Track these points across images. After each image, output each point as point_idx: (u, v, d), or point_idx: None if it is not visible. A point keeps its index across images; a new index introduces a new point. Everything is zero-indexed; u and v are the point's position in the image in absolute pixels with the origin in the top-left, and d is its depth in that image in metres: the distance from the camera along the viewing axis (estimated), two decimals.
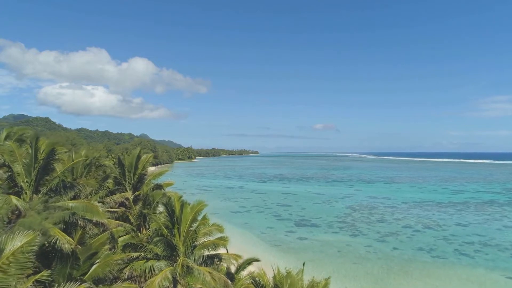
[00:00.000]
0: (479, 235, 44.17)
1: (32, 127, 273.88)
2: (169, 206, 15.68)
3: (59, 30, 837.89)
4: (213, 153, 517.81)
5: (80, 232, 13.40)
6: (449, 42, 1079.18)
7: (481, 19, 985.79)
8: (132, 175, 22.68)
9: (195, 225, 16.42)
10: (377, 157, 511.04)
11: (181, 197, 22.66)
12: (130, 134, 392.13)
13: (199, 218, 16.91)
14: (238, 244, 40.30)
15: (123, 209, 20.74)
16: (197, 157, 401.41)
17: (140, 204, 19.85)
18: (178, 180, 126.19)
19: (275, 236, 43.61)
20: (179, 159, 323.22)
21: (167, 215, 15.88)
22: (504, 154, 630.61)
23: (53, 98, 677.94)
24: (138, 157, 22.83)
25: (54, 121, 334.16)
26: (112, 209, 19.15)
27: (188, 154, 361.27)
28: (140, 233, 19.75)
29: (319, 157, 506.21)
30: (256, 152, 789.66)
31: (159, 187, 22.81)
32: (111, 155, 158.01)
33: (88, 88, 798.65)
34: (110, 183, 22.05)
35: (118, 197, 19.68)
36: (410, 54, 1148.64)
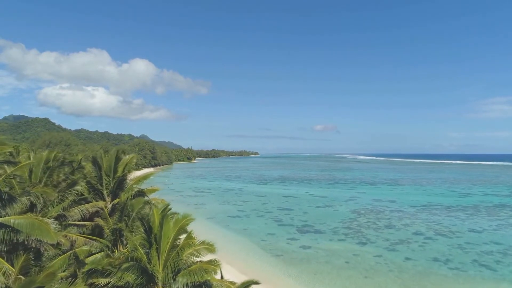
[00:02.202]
0: (496, 243, 40.85)
1: (31, 128, 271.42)
2: (145, 221, 12.42)
3: (59, 31, 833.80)
4: (213, 154, 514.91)
5: (22, 258, 10.14)
6: (448, 43, 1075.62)
7: (480, 20, 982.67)
8: (110, 179, 19.42)
9: (179, 244, 13.19)
10: (378, 158, 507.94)
11: (168, 205, 19.34)
12: (130, 135, 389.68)
13: (184, 235, 13.71)
14: (237, 253, 37.14)
15: (99, 220, 17.45)
16: (196, 158, 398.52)
17: (117, 215, 16.61)
18: (176, 182, 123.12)
19: (276, 244, 40.28)
20: (179, 160, 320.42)
21: (143, 232, 12.61)
22: (505, 156, 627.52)
23: (53, 99, 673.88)
24: (117, 158, 19.57)
25: (53, 121, 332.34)
26: (80, 222, 15.90)
27: (188, 155, 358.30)
28: (117, 250, 16.47)
29: (320, 158, 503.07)
30: (256, 153, 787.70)
31: (141, 193, 19.52)
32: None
33: (89, 89, 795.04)
34: (84, 189, 18.84)
35: (89, 206, 16.41)
36: (410, 55, 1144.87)
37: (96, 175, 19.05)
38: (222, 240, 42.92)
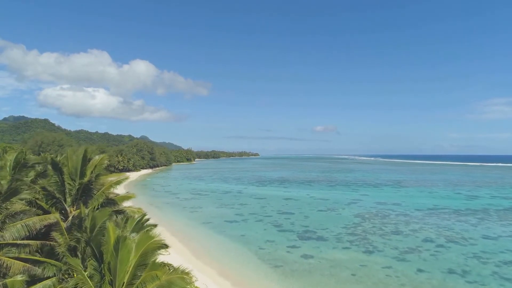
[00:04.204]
0: None
1: (31, 128, 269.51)
2: (94, 244, 9.19)
3: (60, 31, 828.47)
4: (213, 155, 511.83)
5: None
6: (448, 44, 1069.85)
7: (481, 21, 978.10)
8: (76, 184, 16.19)
9: (142, 271, 9.95)
10: (378, 159, 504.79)
11: (144, 216, 16.18)
12: (130, 136, 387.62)
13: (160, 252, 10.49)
14: (232, 264, 33.93)
15: (57, 235, 14.17)
16: (196, 159, 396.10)
17: (74, 230, 13.37)
18: (173, 183, 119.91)
19: (276, 253, 36.97)
20: (178, 161, 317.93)
21: (92, 258, 9.38)
22: (507, 157, 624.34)
23: (54, 100, 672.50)
24: (85, 159, 16.32)
25: (53, 122, 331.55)
26: (21, 241, 12.66)
27: (187, 156, 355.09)
28: (76, 274, 13.20)
29: (320, 159, 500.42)
30: (256, 154, 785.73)
31: (110, 202, 16.26)
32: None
33: (89, 90, 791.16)
34: (42, 197, 15.60)
35: (38, 220, 13.14)
36: (410, 56, 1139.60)
37: (57, 180, 15.82)
38: (216, 248, 39.76)
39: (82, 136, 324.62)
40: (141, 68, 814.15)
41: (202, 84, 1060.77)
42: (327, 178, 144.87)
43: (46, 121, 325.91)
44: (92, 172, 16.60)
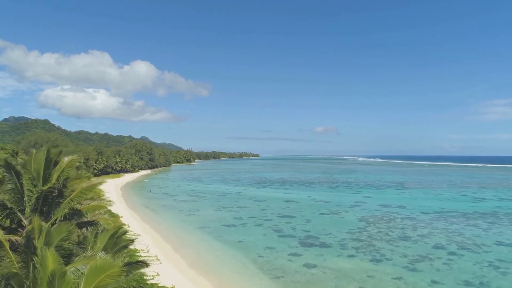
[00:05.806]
0: None
1: (30, 129, 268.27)
2: (15, 281, 6.55)
3: (61, 32, 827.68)
4: (213, 155, 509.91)
5: None
6: (449, 44, 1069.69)
7: (481, 21, 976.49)
8: (39, 190, 13.55)
9: None
10: (379, 159, 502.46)
11: (120, 228, 13.59)
12: (130, 136, 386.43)
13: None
14: (228, 274, 31.27)
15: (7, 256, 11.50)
16: (196, 160, 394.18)
17: (20, 253, 10.75)
18: (171, 185, 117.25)
19: (276, 262, 34.28)
20: (178, 162, 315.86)
21: None
22: (508, 158, 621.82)
23: (54, 100, 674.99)
24: (48, 160, 13.66)
25: (53, 123, 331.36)
26: None
27: (187, 156, 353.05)
28: None
29: (320, 160, 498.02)
30: (256, 155, 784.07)
31: (75, 213, 13.58)
32: (101, 158, 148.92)
33: (90, 91, 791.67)
34: None
35: None
36: (410, 57, 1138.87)
37: (12, 187, 13.20)
38: (212, 255, 37.07)
39: (82, 137, 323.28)
40: (142, 69, 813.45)
41: (203, 85, 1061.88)
42: (328, 179, 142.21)
43: (46, 121, 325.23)
44: (59, 176, 13.99)
